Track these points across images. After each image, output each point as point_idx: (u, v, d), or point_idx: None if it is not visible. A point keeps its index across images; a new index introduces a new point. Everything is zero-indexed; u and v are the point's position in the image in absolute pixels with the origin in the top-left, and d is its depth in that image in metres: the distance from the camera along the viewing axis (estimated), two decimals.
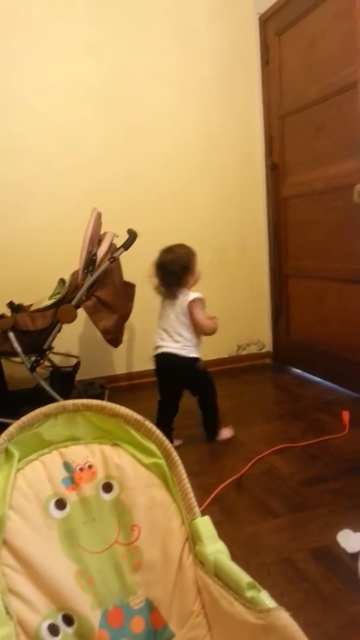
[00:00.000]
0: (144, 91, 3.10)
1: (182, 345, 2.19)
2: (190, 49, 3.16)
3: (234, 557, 1.49)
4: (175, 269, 2.14)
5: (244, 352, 3.55)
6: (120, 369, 3.30)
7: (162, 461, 1.05)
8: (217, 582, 0.93)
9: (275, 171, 3.24)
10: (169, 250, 2.18)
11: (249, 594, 0.86)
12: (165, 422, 2.26)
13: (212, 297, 3.35)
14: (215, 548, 0.97)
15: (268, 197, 3.34)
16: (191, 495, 1.03)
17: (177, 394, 2.29)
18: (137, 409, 2.89)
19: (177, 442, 2.28)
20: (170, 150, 3.19)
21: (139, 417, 1.06)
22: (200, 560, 0.98)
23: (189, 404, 2.81)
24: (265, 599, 0.84)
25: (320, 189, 2.82)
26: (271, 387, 3.11)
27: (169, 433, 2.20)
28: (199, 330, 2.19)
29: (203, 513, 1.72)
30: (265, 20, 3.15)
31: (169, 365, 2.22)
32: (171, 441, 2.02)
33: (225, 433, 2.34)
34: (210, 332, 2.21)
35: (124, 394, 3.12)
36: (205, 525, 0.99)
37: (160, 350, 2.23)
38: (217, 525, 1.65)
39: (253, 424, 2.48)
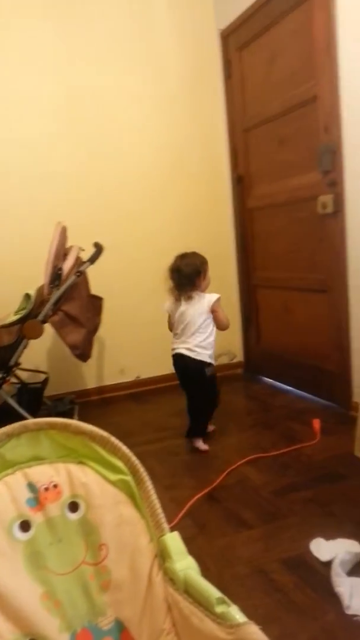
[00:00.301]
0: (109, 107, 3.11)
1: (194, 346, 2.30)
2: (154, 65, 3.19)
3: (208, 570, 1.49)
4: (189, 272, 2.28)
5: (215, 363, 3.54)
6: (90, 383, 3.27)
7: (129, 478, 1.03)
8: (187, 598, 0.91)
9: (241, 183, 3.28)
10: (183, 256, 2.35)
11: (219, 609, 0.85)
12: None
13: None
14: (185, 564, 0.95)
15: (234, 209, 3.38)
16: (159, 511, 1.01)
17: (191, 390, 2.42)
18: (109, 423, 2.87)
19: (210, 427, 2.47)
20: (136, 165, 3.20)
21: (104, 433, 1.04)
22: (170, 577, 0.97)
23: (163, 416, 2.81)
24: (235, 613, 0.83)
25: (285, 201, 2.87)
26: (243, 397, 3.12)
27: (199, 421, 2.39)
28: (219, 326, 2.34)
29: (176, 527, 1.71)
30: (226, 36, 3.21)
31: (182, 365, 2.35)
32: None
33: (202, 445, 2.35)
34: (226, 327, 2.37)
35: (95, 408, 3.09)
36: (174, 541, 0.98)
37: (175, 352, 2.37)
38: (191, 538, 1.64)
39: (226, 435, 2.48)
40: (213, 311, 2.30)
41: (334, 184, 2.44)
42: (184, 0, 3.23)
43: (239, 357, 3.58)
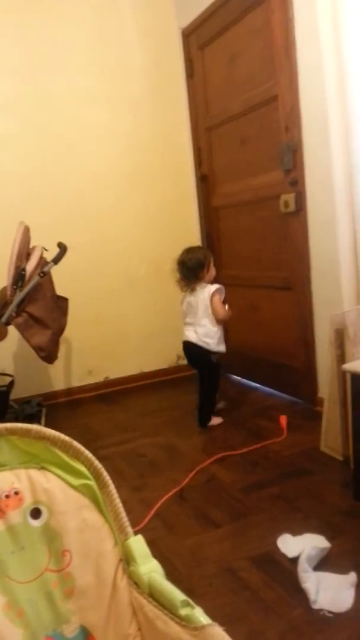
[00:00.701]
0: (70, 106, 3.08)
1: (201, 336, 2.47)
2: (116, 64, 3.17)
3: (176, 571, 1.49)
4: (192, 265, 2.45)
5: (184, 362, 3.54)
6: (58, 385, 3.22)
7: (92, 482, 1.02)
8: (151, 602, 0.91)
9: (205, 182, 3.28)
10: (188, 250, 2.53)
11: (183, 611, 0.84)
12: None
13: (149, 308, 3.39)
14: (149, 567, 0.94)
15: (200, 208, 3.39)
16: (123, 515, 1.00)
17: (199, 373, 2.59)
18: (77, 425, 2.84)
19: (221, 404, 2.68)
20: (99, 164, 3.18)
21: (66, 438, 1.02)
22: (134, 581, 0.96)
23: (132, 417, 2.79)
24: (200, 615, 0.83)
25: (248, 199, 2.88)
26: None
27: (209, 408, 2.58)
28: (215, 315, 2.44)
29: (145, 528, 1.72)
30: (187, 35, 3.21)
31: (191, 352, 2.55)
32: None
33: (216, 420, 2.55)
34: (223, 316, 2.46)
35: (63, 410, 3.05)
36: (138, 544, 0.97)
37: (185, 339, 2.54)
38: (159, 539, 1.64)
39: (194, 434, 2.48)
40: (210, 298, 2.43)
41: (296, 182, 2.47)
42: None
43: None
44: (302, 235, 2.49)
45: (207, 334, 2.46)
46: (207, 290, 2.44)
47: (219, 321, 2.47)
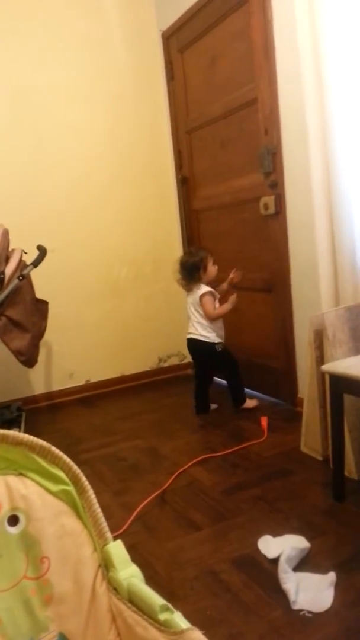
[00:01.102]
0: (50, 107, 3.06)
1: (201, 330, 2.63)
2: (96, 65, 3.16)
3: (157, 574, 1.48)
4: (189, 267, 2.61)
5: (166, 364, 3.56)
6: (38, 389, 3.19)
7: (70, 488, 1.01)
8: (131, 607, 0.90)
9: (186, 185, 3.29)
10: (188, 253, 2.72)
11: (163, 616, 0.84)
12: (200, 392, 2.74)
13: (130, 311, 3.38)
14: (128, 573, 0.94)
15: (180, 210, 3.39)
16: (102, 520, 0.99)
17: (206, 369, 2.75)
18: (58, 429, 2.81)
19: (213, 406, 2.76)
20: (80, 166, 3.16)
21: (44, 443, 1.01)
22: (114, 587, 0.95)
23: (112, 420, 2.78)
24: (179, 620, 0.82)
25: (229, 202, 2.90)
26: (193, 398, 3.11)
27: (205, 401, 2.74)
28: (205, 314, 2.60)
29: (126, 532, 1.71)
30: (167, 37, 3.21)
31: (195, 347, 2.69)
32: (209, 407, 2.72)
33: (250, 402, 2.67)
34: (213, 316, 2.61)
35: (44, 414, 3.03)
36: (117, 550, 0.96)
37: (188, 336, 2.70)
38: (140, 543, 1.64)
39: (176, 437, 2.48)
40: (200, 303, 2.59)
41: (275, 185, 2.48)
42: (125, 0, 3.22)
43: (189, 357, 3.59)
44: (282, 237, 2.50)
45: (205, 329, 2.62)
46: (198, 292, 2.59)
47: (211, 320, 2.61)
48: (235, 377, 2.68)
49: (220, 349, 2.64)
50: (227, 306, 2.60)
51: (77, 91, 3.12)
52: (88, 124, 3.17)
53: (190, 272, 2.61)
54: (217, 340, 2.63)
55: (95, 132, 3.19)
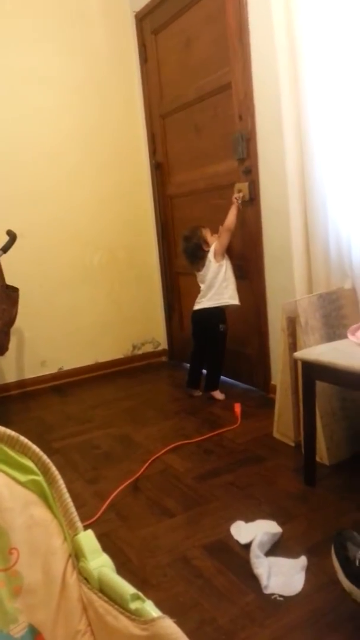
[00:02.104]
0: (19, 88, 2.97)
1: (214, 295, 2.61)
2: (67, 46, 3.08)
3: (130, 562, 1.48)
4: (192, 251, 2.65)
5: (140, 352, 3.54)
6: (10, 377, 3.14)
7: (40, 478, 0.99)
8: (101, 597, 0.89)
9: (160, 170, 3.25)
10: (185, 238, 2.69)
11: (133, 605, 0.83)
12: (194, 368, 2.80)
13: (104, 297, 3.35)
14: (99, 562, 0.93)
15: (154, 196, 3.35)
16: (72, 510, 0.98)
17: (204, 346, 2.74)
18: (31, 418, 2.78)
19: (197, 393, 2.77)
20: (48, 148, 3.08)
21: (12, 433, 0.99)
22: (84, 577, 0.94)
23: (86, 408, 2.76)
24: (150, 609, 0.82)
25: (203, 188, 2.88)
26: (167, 385, 3.12)
27: (197, 377, 2.79)
28: (227, 230, 2.54)
29: (99, 520, 1.70)
30: (141, 19, 3.15)
31: (200, 320, 2.70)
32: (200, 384, 2.77)
33: (219, 394, 2.68)
34: (232, 227, 2.55)
35: (16, 403, 2.98)
36: (87, 539, 0.95)
37: (196, 308, 2.70)
38: (113, 531, 1.63)
39: (149, 424, 2.47)
40: (216, 255, 2.58)
41: (249, 171, 2.47)
42: None
43: (163, 344, 3.59)
44: (256, 224, 2.50)
45: (219, 291, 2.60)
46: (211, 256, 2.59)
47: (230, 231, 2.55)
48: (217, 364, 2.70)
49: (223, 330, 2.64)
50: (232, 210, 2.52)
51: (45, 72, 3.04)
52: (57, 106, 3.09)
53: (196, 253, 2.63)
54: (231, 301, 2.59)
55: (65, 114, 3.11)
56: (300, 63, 2.11)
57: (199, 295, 2.68)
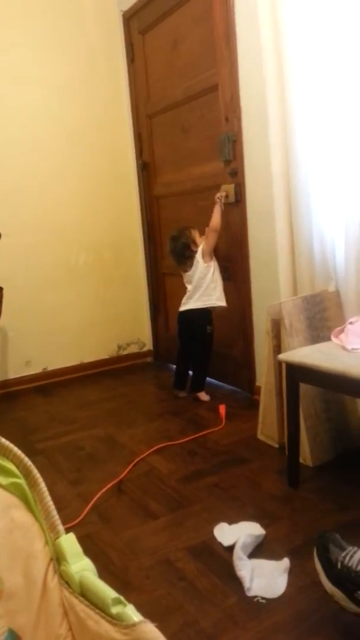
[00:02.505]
0: (2, 87, 2.93)
1: (201, 296, 2.60)
2: (52, 44, 3.06)
3: (113, 565, 1.47)
4: (180, 251, 2.62)
5: (125, 352, 3.53)
6: None
7: (21, 480, 0.98)
8: (83, 601, 0.89)
9: (146, 170, 3.24)
10: (172, 239, 2.67)
11: (115, 610, 0.83)
12: (181, 370, 2.80)
13: (89, 297, 3.34)
14: (81, 566, 0.92)
15: (140, 196, 3.34)
16: (54, 513, 0.97)
17: (190, 349, 2.74)
18: (14, 418, 2.75)
19: (182, 394, 2.77)
20: (33, 147, 3.06)
21: None
22: (65, 581, 0.93)
23: (70, 409, 2.74)
24: (132, 613, 0.81)
25: (189, 189, 2.88)
26: (152, 386, 3.12)
27: (184, 378, 2.79)
28: (213, 230, 2.53)
29: (82, 523, 1.69)
30: (128, 18, 3.14)
31: (187, 322, 2.68)
32: (187, 384, 2.77)
33: (204, 396, 2.68)
34: (218, 226, 2.53)
35: None
36: (69, 543, 0.94)
37: (182, 309, 2.68)
38: (96, 533, 1.62)
39: (134, 425, 2.46)
40: (204, 256, 2.57)
41: (235, 173, 2.48)
42: None
43: (148, 345, 3.58)
44: (242, 226, 2.50)
45: (206, 292, 2.59)
46: (198, 256, 2.59)
47: (216, 231, 2.53)
48: (203, 365, 2.71)
49: (209, 331, 2.64)
50: (216, 210, 2.52)
51: (31, 70, 3.01)
52: (43, 104, 3.06)
53: (184, 253, 2.61)
54: (218, 303, 2.59)
55: (50, 113, 3.09)
56: (286, 66, 2.12)
57: (186, 296, 2.67)
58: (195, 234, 2.63)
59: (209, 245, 2.56)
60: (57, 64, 3.08)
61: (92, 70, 3.20)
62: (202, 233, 2.62)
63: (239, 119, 2.40)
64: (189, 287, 2.65)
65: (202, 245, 2.58)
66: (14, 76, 2.96)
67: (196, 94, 2.69)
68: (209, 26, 2.50)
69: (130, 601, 0.82)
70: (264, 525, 1.55)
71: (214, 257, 2.60)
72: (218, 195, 2.53)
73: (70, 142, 3.17)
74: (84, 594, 0.90)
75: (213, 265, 2.59)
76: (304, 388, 1.80)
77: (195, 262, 2.60)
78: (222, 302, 2.59)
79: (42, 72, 3.04)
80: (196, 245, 2.61)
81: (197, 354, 2.70)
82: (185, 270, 2.65)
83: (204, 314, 2.62)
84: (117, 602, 0.84)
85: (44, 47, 3.04)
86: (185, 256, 2.62)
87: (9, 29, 2.93)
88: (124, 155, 3.35)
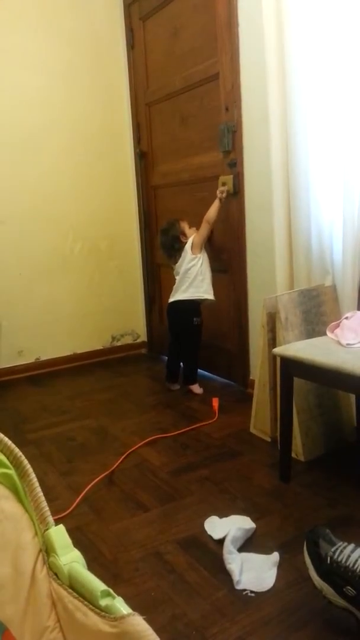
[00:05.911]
0: (1, 70, 2.89)
1: (189, 288, 2.59)
2: (51, 30, 3.01)
3: (102, 556, 1.47)
4: (170, 243, 2.61)
5: (119, 343, 3.52)
6: None
7: (11, 471, 0.96)
8: (71, 593, 0.88)
9: (144, 159, 3.21)
10: (161, 232, 2.67)
11: (103, 602, 0.82)
12: (172, 363, 2.77)
13: (83, 288, 3.31)
14: (70, 558, 0.91)
15: (138, 186, 3.31)
16: (44, 504, 0.96)
17: (180, 341, 2.71)
18: (6, 408, 2.74)
19: (176, 387, 2.75)
20: (29, 134, 3.01)
21: None
22: (54, 572, 0.93)
23: (62, 399, 2.73)
24: (120, 605, 0.81)
25: (187, 179, 2.85)
26: (145, 378, 3.11)
27: (176, 371, 2.77)
28: (207, 222, 2.53)
29: (72, 514, 1.68)
30: (129, 4, 3.10)
31: (175, 313, 2.67)
32: (179, 377, 2.76)
33: (197, 389, 2.67)
34: (214, 219, 2.53)
35: None
36: (58, 534, 0.93)
37: (171, 300, 2.67)
38: (86, 525, 1.62)
39: (126, 417, 2.46)
40: (195, 247, 2.56)
41: (234, 164, 2.45)
42: None
43: (142, 336, 3.57)
44: (239, 218, 2.49)
45: (194, 284, 2.58)
46: (188, 248, 2.57)
47: (211, 223, 2.53)
48: (192, 357, 2.69)
49: (197, 323, 2.62)
50: (215, 203, 2.51)
51: (29, 56, 2.96)
52: (42, 89, 3.02)
53: (173, 245, 2.60)
54: (205, 296, 2.58)
55: (50, 98, 3.04)
56: (288, 56, 2.09)
57: (174, 288, 2.67)
58: (185, 226, 2.61)
59: (201, 235, 2.54)
60: (56, 49, 3.04)
61: (92, 56, 3.15)
62: (197, 225, 2.60)
63: (239, 109, 2.38)
64: (177, 278, 2.65)
65: (194, 236, 2.57)
66: (12, 62, 2.92)
67: (196, 83, 2.66)
68: (210, 14, 2.47)
69: (119, 593, 0.82)
70: (254, 519, 1.55)
71: (204, 250, 2.58)
72: (221, 189, 2.50)
73: (68, 130, 3.13)
74: (73, 585, 0.89)
75: (202, 258, 2.57)
76: (298, 382, 1.79)
77: (183, 253, 2.58)
78: (211, 296, 2.58)
79: (40, 58, 2.99)
80: (185, 237, 2.59)
81: (185, 346, 2.69)
82: (175, 262, 2.64)
83: (191, 306, 2.61)
84: (105, 594, 0.83)
85: (43, 33, 2.98)
86: (174, 248, 2.61)
87: (8, 15, 2.87)
88: (122, 144, 3.32)
